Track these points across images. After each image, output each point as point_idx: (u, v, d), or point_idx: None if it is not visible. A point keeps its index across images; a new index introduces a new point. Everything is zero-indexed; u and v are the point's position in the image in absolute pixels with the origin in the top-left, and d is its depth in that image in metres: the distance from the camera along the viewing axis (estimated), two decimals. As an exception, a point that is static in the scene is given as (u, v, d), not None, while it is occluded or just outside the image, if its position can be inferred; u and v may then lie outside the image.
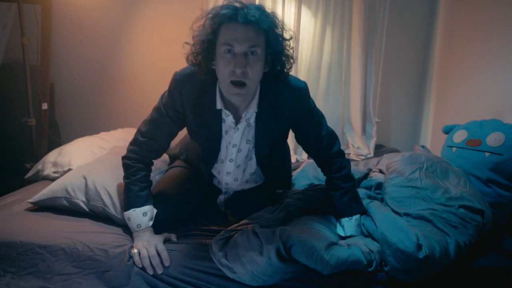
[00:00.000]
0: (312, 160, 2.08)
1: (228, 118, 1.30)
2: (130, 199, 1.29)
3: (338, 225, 1.37)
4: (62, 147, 1.94)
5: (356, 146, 2.76)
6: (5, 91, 2.49)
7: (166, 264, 1.17)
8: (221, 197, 1.54)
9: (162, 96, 1.34)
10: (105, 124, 2.67)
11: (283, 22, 1.21)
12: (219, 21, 1.13)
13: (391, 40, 2.80)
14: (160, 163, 1.76)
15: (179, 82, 1.27)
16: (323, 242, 1.17)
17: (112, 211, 1.38)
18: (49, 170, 1.79)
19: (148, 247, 1.19)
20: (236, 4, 1.14)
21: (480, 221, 1.32)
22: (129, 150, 1.35)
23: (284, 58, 1.22)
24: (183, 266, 1.18)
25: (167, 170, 1.62)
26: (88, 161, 1.72)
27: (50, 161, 1.82)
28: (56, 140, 2.63)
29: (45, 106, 2.53)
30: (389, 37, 2.79)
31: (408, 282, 1.16)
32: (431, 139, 2.74)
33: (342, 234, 1.33)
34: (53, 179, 1.69)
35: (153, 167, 1.70)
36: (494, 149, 1.58)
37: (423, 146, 2.11)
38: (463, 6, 2.41)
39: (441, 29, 2.67)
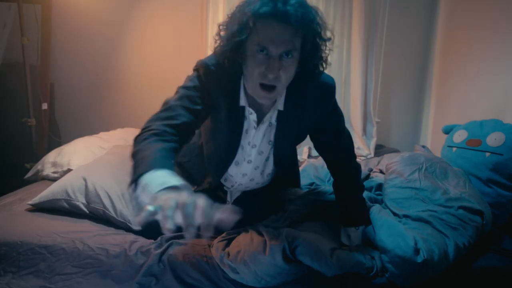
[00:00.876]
0: (312, 160, 2.09)
1: (250, 117, 1.19)
2: (146, 159, 0.88)
3: (342, 233, 1.35)
4: (62, 147, 1.94)
5: (357, 146, 2.76)
6: (5, 91, 2.49)
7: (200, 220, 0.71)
8: (228, 204, 1.51)
9: (184, 86, 1.14)
10: (105, 124, 2.66)
11: (323, 19, 1.05)
12: (255, 15, 0.98)
13: (391, 40, 2.79)
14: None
15: (214, 71, 1.12)
16: (328, 245, 1.17)
17: (112, 213, 1.38)
18: (48, 170, 1.79)
19: (171, 199, 0.72)
20: None
21: (479, 222, 1.31)
22: (154, 120, 1.04)
23: (318, 59, 1.10)
24: (184, 267, 1.18)
25: None
26: (88, 161, 1.72)
27: (50, 161, 1.82)
28: (56, 140, 2.63)
29: (45, 106, 2.53)
30: (389, 37, 2.78)
31: (408, 286, 1.16)
32: (431, 139, 2.74)
33: (348, 244, 1.30)
34: (52, 179, 1.69)
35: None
36: (494, 149, 1.58)
37: (423, 146, 2.11)
38: (463, 6, 2.41)
39: (441, 29, 2.67)
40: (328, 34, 1.07)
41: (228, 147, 1.24)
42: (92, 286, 1.16)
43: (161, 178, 0.81)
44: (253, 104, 1.17)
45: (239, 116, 1.19)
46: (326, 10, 2.70)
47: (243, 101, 1.17)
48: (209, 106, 1.15)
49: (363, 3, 2.61)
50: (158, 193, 0.76)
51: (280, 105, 1.18)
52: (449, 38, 2.56)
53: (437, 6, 2.71)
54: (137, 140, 0.99)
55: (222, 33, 1.07)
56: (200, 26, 2.66)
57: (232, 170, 1.31)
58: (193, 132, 1.14)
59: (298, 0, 0.99)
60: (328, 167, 1.42)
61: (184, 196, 0.72)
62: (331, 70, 2.80)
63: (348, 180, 1.35)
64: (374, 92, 2.80)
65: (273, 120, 1.21)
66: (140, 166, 0.87)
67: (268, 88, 1.04)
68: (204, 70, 1.13)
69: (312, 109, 1.20)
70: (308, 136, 1.36)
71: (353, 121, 2.83)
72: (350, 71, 2.78)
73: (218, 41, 1.09)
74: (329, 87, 1.20)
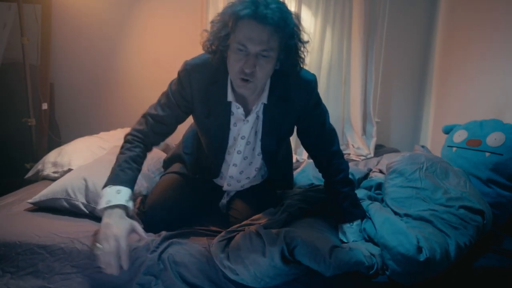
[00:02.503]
0: (312, 160, 2.09)
1: (238, 111, 1.30)
2: (112, 173, 1.20)
3: (339, 230, 1.36)
4: (62, 147, 1.94)
5: (356, 146, 2.76)
6: (5, 91, 2.49)
7: (124, 267, 1.04)
8: (224, 201, 1.53)
9: (171, 82, 1.33)
10: (105, 124, 2.66)
11: (300, 22, 1.18)
12: (237, 16, 1.10)
13: (391, 40, 2.79)
14: (159, 164, 1.76)
15: (189, 71, 1.26)
16: (327, 244, 1.17)
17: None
18: (49, 170, 1.79)
19: (110, 241, 1.03)
20: None
21: (480, 221, 1.32)
22: (134, 129, 1.31)
23: (296, 58, 1.21)
24: (184, 267, 1.18)
25: (163, 175, 1.60)
26: (88, 161, 1.72)
27: (50, 161, 1.82)
28: (56, 140, 2.63)
29: (45, 106, 2.53)
30: (389, 37, 2.78)
31: (409, 285, 1.15)
32: (431, 139, 2.74)
33: (345, 241, 1.32)
34: (53, 179, 1.69)
35: (153, 168, 1.71)
36: (494, 149, 1.58)
37: (423, 146, 2.11)
38: (463, 6, 2.41)
39: (441, 29, 2.67)
40: (305, 37, 1.20)
41: (219, 138, 1.35)
42: (91, 286, 1.16)
43: (109, 196, 1.13)
44: (240, 99, 1.28)
45: (225, 110, 1.30)
46: (326, 10, 2.70)
47: (230, 97, 1.27)
48: (187, 107, 1.31)
49: (363, 3, 2.61)
50: (103, 210, 1.11)
51: (264, 99, 1.29)
52: (449, 37, 2.56)
53: (437, 6, 2.71)
54: (121, 147, 1.28)
55: (210, 29, 1.20)
56: (200, 26, 2.65)
57: (225, 159, 1.42)
58: (166, 133, 1.35)
59: (278, 5, 1.11)
60: (315, 164, 1.48)
61: (112, 244, 1.03)
62: (332, 69, 2.80)
63: (333, 175, 1.40)
64: (374, 92, 2.80)
65: (260, 113, 1.32)
66: (107, 177, 1.20)
67: (245, 80, 1.16)
68: (182, 71, 1.27)
69: (295, 102, 1.31)
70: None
71: (353, 121, 2.83)
72: (350, 71, 2.78)
73: (207, 37, 1.21)
74: (310, 82, 1.32)
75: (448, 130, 1.89)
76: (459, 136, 1.77)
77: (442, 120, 2.54)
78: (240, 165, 1.42)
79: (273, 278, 1.12)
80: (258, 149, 1.40)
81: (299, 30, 1.17)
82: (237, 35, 1.12)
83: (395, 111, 2.97)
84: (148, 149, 1.32)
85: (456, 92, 2.43)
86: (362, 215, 1.35)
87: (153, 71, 2.79)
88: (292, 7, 2.62)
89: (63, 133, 2.82)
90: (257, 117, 1.33)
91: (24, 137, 2.37)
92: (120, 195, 1.15)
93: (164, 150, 2.09)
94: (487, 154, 1.59)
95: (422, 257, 1.12)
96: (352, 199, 1.38)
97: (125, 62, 2.82)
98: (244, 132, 1.34)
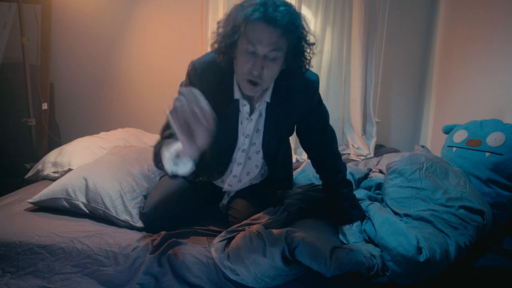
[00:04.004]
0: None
1: (244, 108, 1.31)
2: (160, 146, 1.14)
3: (340, 231, 1.36)
4: (62, 147, 1.94)
5: (356, 146, 2.76)
6: (5, 91, 2.49)
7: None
8: (224, 201, 1.53)
9: (181, 86, 1.30)
10: (105, 124, 2.67)
11: (307, 24, 1.18)
12: (247, 18, 1.10)
13: (391, 40, 2.79)
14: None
15: (199, 70, 1.25)
16: (327, 245, 1.17)
17: (113, 213, 1.38)
18: (49, 170, 1.79)
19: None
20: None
21: (480, 221, 1.31)
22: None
23: (302, 59, 1.22)
24: (184, 267, 1.18)
25: (162, 176, 1.59)
26: (88, 161, 1.72)
27: (50, 161, 1.83)
28: (56, 140, 2.63)
29: (45, 106, 2.53)
30: (389, 37, 2.79)
31: (409, 285, 1.15)
32: (431, 139, 2.74)
33: (345, 242, 1.32)
34: (53, 179, 1.69)
35: (153, 168, 1.71)
36: (494, 149, 1.58)
37: (423, 146, 2.11)
38: (463, 6, 2.41)
39: (441, 29, 2.67)
40: (312, 39, 1.21)
41: (229, 137, 1.35)
42: (91, 285, 1.16)
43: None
44: (246, 96, 1.28)
45: (234, 109, 1.31)
46: (326, 10, 2.70)
47: (237, 94, 1.28)
48: None
49: (363, 3, 2.61)
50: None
51: (267, 97, 1.30)
52: (449, 37, 2.56)
53: (437, 6, 2.71)
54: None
55: (219, 30, 1.19)
56: (200, 26, 2.66)
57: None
58: None
59: (287, 8, 1.11)
60: (313, 165, 1.48)
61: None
62: (332, 69, 2.80)
63: (332, 176, 1.40)
64: (374, 92, 2.80)
65: (263, 111, 1.33)
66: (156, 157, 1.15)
67: (253, 82, 1.17)
68: (191, 71, 1.27)
69: (297, 102, 1.33)
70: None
71: (353, 121, 2.83)
72: (350, 71, 2.78)
73: (215, 38, 1.20)
74: (312, 83, 1.34)
75: (448, 130, 1.89)
76: (459, 136, 1.77)
77: (442, 120, 2.54)
78: (244, 164, 1.43)
79: (274, 278, 1.12)
80: (258, 146, 1.40)
81: (306, 32, 1.18)
82: (246, 37, 1.11)
83: (395, 111, 2.97)
84: None
85: (456, 92, 2.43)
86: (362, 216, 1.35)
87: (153, 71, 2.79)
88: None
89: (63, 133, 2.82)
90: (260, 115, 1.34)
91: (24, 137, 2.38)
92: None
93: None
94: (487, 154, 1.59)
95: (422, 258, 1.12)
96: (351, 200, 1.37)
97: (125, 62, 2.82)
98: (248, 130, 1.35)
